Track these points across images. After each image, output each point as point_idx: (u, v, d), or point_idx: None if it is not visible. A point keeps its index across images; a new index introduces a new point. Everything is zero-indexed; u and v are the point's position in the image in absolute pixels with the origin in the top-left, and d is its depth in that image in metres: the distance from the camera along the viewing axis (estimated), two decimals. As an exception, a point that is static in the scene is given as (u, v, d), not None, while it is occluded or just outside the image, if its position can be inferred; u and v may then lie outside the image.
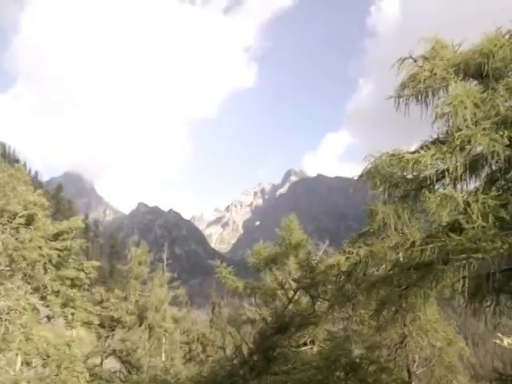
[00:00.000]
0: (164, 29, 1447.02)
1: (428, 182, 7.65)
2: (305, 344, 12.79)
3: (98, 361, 34.28)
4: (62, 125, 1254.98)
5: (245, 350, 13.81)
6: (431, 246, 7.13)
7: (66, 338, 32.71)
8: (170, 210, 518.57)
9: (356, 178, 9.34)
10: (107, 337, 35.25)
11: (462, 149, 7.42)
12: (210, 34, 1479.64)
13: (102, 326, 35.09)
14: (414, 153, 8.21)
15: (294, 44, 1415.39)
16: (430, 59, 8.81)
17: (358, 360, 10.04)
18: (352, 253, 9.49)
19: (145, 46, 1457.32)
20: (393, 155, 8.40)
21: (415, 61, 8.85)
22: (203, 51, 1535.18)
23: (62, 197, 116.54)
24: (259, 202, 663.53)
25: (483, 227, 6.74)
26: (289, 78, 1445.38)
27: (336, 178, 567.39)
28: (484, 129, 7.37)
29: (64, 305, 33.02)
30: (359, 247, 9.65)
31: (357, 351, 10.20)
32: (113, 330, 35.71)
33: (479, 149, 7.46)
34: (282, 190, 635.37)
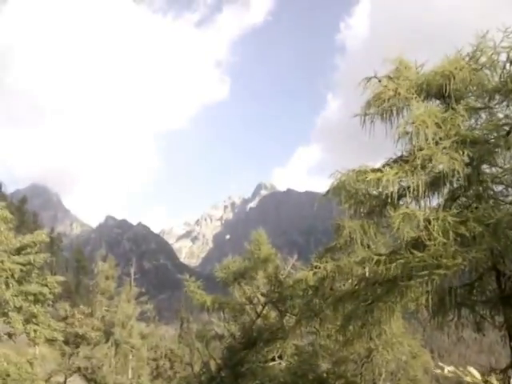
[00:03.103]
0: (135, 41, 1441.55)
1: (391, 198, 7.84)
2: (273, 359, 12.75)
3: (61, 379, 33.27)
4: (28, 136, 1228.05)
5: (213, 366, 13.68)
6: (395, 263, 7.30)
7: (28, 355, 31.67)
8: (139, 223, 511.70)
9: (323, 193, 9.50)
10: (72, 354, 34.26)
11: (424, 167, 7.67)
12: (182, 47, 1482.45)
13: (66, 342, 34.08)
14: (378, 170, 8.43)
15: (265, 59, 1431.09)
16: (394, 79, 9.10)
17: (325, 375, 10.08)
18: (319, 267, 9.61)
19: (115, 58, 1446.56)
20: (359, 172, 8.60)
21: (380, 80, 9.12)
22: (175, 64, 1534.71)
23: (27, 209, 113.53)
24: (229, 215, 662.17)
25: (444, 244, 6.95)
26: (260, 92, 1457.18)
27: (305, 192, 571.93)
28: (444, 148, 7.64)
29: (26, 321, 31.97)
30: (326, 262, 9.79)
31: (324, 366, 10.23)
32: (77, 347, 34.75)
33: (440, 167, 7.72)
34: (252, 204, 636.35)
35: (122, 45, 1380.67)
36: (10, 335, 30.26)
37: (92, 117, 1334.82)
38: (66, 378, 33.11)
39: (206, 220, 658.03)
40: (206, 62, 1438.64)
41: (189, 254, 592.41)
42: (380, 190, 8.23)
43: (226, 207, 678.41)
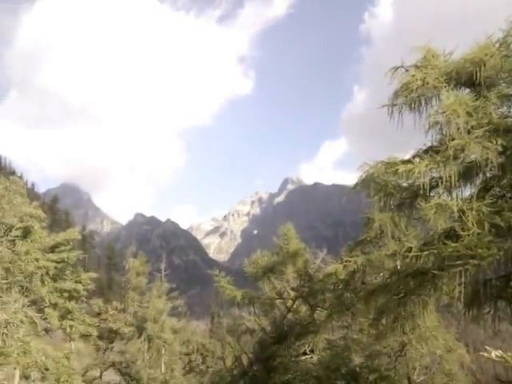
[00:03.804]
0: (158, 39, 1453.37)
1: (423, 190, 7.70)
2: (304, 353, 12.74)
3: (97, 373, 34.07)
4: (59, 136, 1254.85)
5: (245, 360, 13.76)
6: (426, 253, 7.17)
7: (65, 350, 32.53)
8: (168, 220, 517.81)
9: (352, 186, 9.41)
10: (106, 349, 35.04)
11: (456, 157, 7.50)
12: (205, 44, 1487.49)
13: (100, 337, 34.89)
14: (408, 161, 8.28)
15: (289, 52, 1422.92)
16: (421, 68, 8.91)
17: (358, 369, 10.02)
18: (349, 261, 9.55)
19: (139, 57, 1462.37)
20: (388, 164, 8.47)
21: (407, 70, 8.95)
22: (198, 61, 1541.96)
23: (59, 208, 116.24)
24: (257, 210, 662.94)
25: (478, 234, 6.79)
26: (285, 86, 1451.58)
27: (333, 185, 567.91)
28: (477, 137, 7.45)
29: (62, 317, 32.86)
30: (357, 255, 9.71)
31: (357, 360, 10.17)
32: (111, 342, 35.51)
33: (473, 157, 7.54)
34: (279, 199, 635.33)
35: (145, 44, 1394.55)
36: (46, 331, 31.15)
37: (119, 116, 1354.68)
38: (101, 372, 33.90)
39: (233, 215, 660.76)
40: (229, 58, 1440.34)
41: (217, 249, 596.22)
42: (411, 181, 8.09)
43: (253, 202, 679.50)
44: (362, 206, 10.37)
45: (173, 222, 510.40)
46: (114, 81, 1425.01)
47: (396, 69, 8.94)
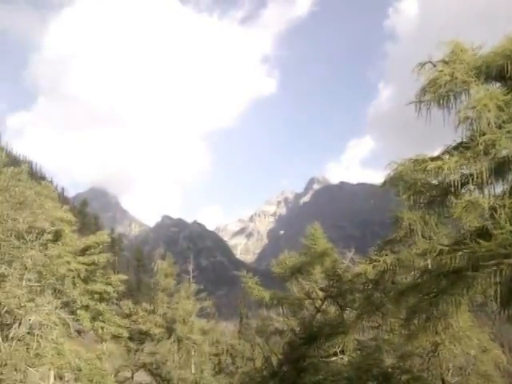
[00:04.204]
0: (182, 42, 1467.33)
1: (453, 187, 7.54)
2: (335, 354, 12.64)
3: (128, 374, 34.53)
4: (86, 141, 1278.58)
5: (274, 361, 13.74)
6: (460, 253, 7.02)
7: (97, 351, 33.09)
8: (194, 221, 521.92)
9: (379, 185, 9.29)
10: (137, 350, 35.46)
11: (487, 153, 7.31)
12: (228, 45, 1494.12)
13: (131, 339, 35.36)
14: (437, 158, 8.13)
15: (313, 51, 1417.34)
16: (449, 63, 8.73)
17: (390, 370, 9.88)
18: (379, 261, 9.42)
19: (163, 60, 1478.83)
20: (416, 161, 8.33)
21: (435, 65, 8.78)
22: (221, 63, 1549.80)
23: (88, 212, 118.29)
24: (283, 211, 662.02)
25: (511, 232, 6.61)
26: (309, 84, 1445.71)
27: (359, 184, 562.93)
28: (508, 131, 7.26)
29: (93, 319, 33.43)
30: (386, 255, 9.57)
31: (388, 361, 10.02)
32: (142, 343, 35.92)
33: (504, 152, 7.35)
34: (306, 199, 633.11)
35: (169, 46, 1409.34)
36: (79, 332, 31.74)
37: (145, 119, 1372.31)
38: (132, 373, 34.34)
39: (259, 216, 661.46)
40: (253, 59, 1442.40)
41: (244, 250, 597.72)
42: (440, 179, 7.93)
43: (279, 203, 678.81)
44: (390, 205, 10.21)
45: (199, 224, 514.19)
46: (140, 84, 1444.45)
47: (423, 64, 8.79)
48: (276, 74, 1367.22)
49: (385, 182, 8.99)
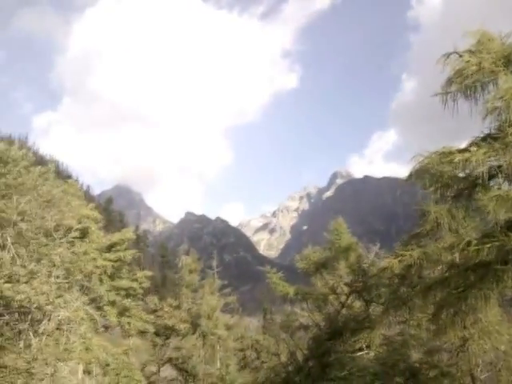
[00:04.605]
0: (203, 39, 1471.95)
1: (481, 180, 7.39)
2: (360, 349, 12.56)
3: (154, 369, 34.95)
4: (109, 139, 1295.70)
5: (299, 356, 13.74)
6: (489, 245, 6.89)
7: (124, 346, 33.60)
8: (217, 217, 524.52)
9: (404, 178, 9.17)
10: (162, 345, 35.86)
11: (517, 144, 7.15)
12: (249, 41, 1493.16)
13: (157, 334, 35.77)
14: (464, 150, 7.98)
15: (334, 44, 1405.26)
16: (476, 53, 8.55)
17: (417, 365, 9.76)
18: (405, 255, 9.30)
19: (184, 57, 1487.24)
20: (442, 153, 8.20)
21: (461, 56, 8.61)
22: (242, 59, 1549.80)
23: (113, 209, 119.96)
24: (305, 206, 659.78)
25: (544, 225, 6.46)
26: (332, 78, 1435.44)
27: (383, 178, 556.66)
28: (539, 121, 7.08)
29: (120, 314, 33.95)
30: (412, 249, 9.44)
31: (415, 356, 9.89)
32: (168, 338, 36.30)
33: (535, 143, 7.17)
34: (329, 193, 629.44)
35: (190, 44, 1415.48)
36: (106, 328, 32.27)
37: (166, 117, 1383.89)
38: (158, 368, 34.76)
39: (282, 211, 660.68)
40: (274, 54, 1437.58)
41: (267, 245, 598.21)
42: (468, 171, 7.79)
43: (301, 198, 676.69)
44: (416, 199, 10.06)
45: (223, 220, 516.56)
46: (162, 81, 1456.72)
47: (448, 55, 8.62)
48: (297, 69, 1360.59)
49: (410, 176, 8.87)
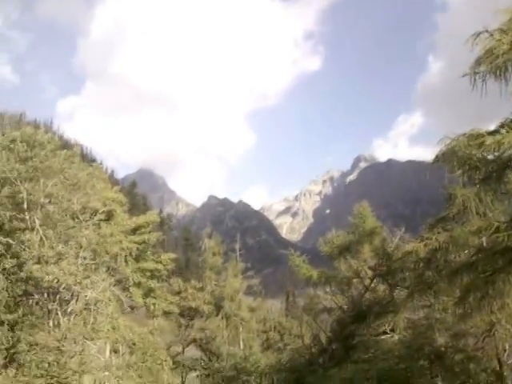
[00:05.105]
0: (225, 21, 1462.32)
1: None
2: (384, 332, 12.55)
3: (179, 349, 35.62)
4: (132, 123, 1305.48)
5: (323, 339, 13.81)
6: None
7: (149, 327, 34.27)
8: (240, 201, 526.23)
9: (430, 161, 9.03)
10: (187, 326, 36.48)
11: (550, 125, 6.96)
12: (271, 22, 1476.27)
13: (181, 315, 36.41)
14: (494, 132, 7.81)
15: (358, 25, 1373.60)
16: (507, 31, 8.29)
17: (442, 348, 9.71)
18: (431, 239, 9.21)
19: (206, 40, 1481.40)
20: (471, 136, 8.03)
21: (491, 34, 8.36)
22: (264, 41, 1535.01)
23: (137, 193, 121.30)
24: (328, 190, 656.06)
25: None
26: (356, 59, 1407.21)
27: (408, 161, 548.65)
28: None
29: (145, 295, 34.61)
30: (438, 233, 9.34)
31: (441, 340, 9.83)
32: (192, 319, 36.89)
33: None
34: (352, 177, 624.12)
35: (212, 25, 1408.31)
36: (131, 308, 32.96)
37: (189, 100, 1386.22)
38: (183, 348, 35.43)
39: (305, 195, 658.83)
40: (297, 35, 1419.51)
41: (289, 229, 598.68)
42: (498, 153, 7.62)
43: (324, 181, 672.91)
44: (441, 182, 9.91)
45: (245, 204, 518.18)
46: (183, 65, 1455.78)
47: (478, 34, 8.38)
48: (321, 50, 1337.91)
49: (437, 159, 8.74)
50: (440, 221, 10.20)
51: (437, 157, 8.75)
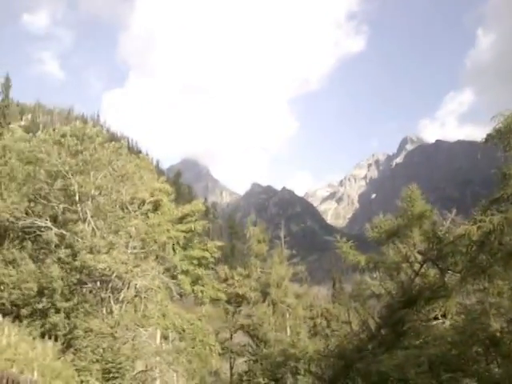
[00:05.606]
0: (264, 6, 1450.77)
1: None
2: (436, 318, 12.23)
3: (227, 335, 36.21)
4: (175, 113, 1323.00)
5: (371, 325, 13.61)
6: None
7: (197, 313, 34.99)
8: (283, 188, 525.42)
9: (483, 140, 8.66)
10: (234, 312, 36.98)
11: None
12: (311, 5, 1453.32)
13: (228, 302, 36.93)
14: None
15: (402, 1, 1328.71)
16: None
17: (498, 334, 9.39)
18: (484, 221, 8.85)
19: (246, 29, 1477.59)
20: (528, 111, 7.63)
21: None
22: (304, 24, 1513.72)
23: (182, 183, 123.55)
24: (374, 173, 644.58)
25: None
26: (401, 37, 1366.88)
27: (458, 142, 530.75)
28: None
29: (193, 283, 35.30)
30: (492, 215, 8.96)
31: (496, 325, 9.49)
32: (239, 306, 37.35)
33: None
34: (398, 160, 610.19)
35: (252, 13, 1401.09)
36: (180, 295, 33.74)
37: (230, 89, 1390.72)
38: (231, 334, 35.99)
39: (349, 180, 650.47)
40: (339, 16, 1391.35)
41: (334, 215, 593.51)
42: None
43: (369, 165, 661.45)
44: (493, 162, 9.49)
45: (288, 190, 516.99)
46: (223, 54, 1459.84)
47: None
48: (365, 30, 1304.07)
49: (490, 137, 8.37)
50: (494, 202, 9.78)
51: (490, 135, 8.39)
